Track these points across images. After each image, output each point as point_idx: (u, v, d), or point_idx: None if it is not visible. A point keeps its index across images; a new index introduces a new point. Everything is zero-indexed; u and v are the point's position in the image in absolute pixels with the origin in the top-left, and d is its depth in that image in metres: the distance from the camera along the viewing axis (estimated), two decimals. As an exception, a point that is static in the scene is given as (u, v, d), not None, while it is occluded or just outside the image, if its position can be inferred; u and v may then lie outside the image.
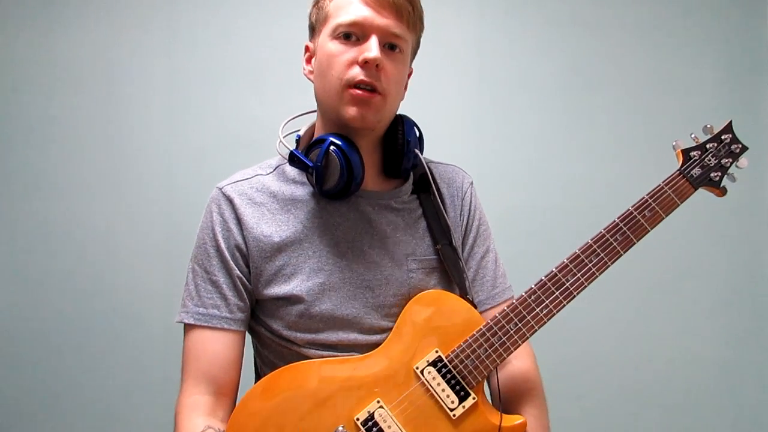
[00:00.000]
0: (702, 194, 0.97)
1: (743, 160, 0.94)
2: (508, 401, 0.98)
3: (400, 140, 0.96)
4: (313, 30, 0.97)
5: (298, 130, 1.03)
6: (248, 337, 1.03)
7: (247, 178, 0.99)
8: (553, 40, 1.98)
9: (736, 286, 2.01)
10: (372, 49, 0.87)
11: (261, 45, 1.86)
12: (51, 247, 1.79)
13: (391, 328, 0.92)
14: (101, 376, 1.79)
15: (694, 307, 1.99)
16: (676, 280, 1.98)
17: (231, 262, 0.93)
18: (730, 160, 0.93)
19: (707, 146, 0.93)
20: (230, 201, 0.95)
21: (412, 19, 0.92)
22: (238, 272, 0.93)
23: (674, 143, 0.95)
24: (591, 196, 1.92)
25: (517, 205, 1.91)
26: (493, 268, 1.04)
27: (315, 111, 1.01)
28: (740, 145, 0.94)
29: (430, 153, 1.11)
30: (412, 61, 1.00)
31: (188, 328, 0.95)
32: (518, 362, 1.01)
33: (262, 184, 0.98)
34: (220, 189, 0.97)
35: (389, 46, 0.90)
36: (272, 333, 0.95)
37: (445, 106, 1.93)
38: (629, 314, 1.95)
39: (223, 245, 0.94)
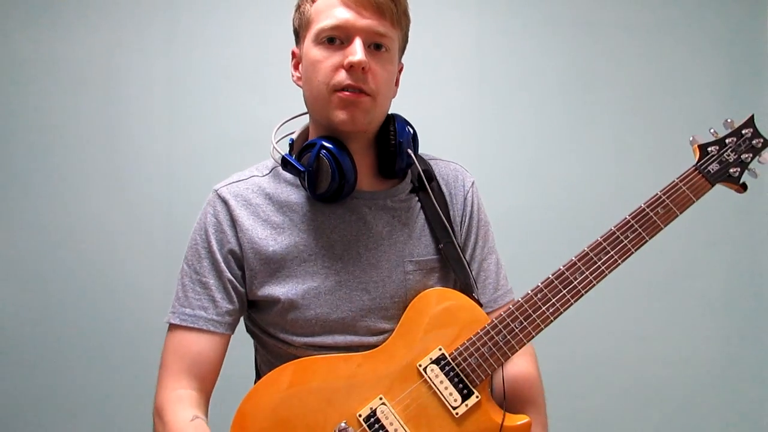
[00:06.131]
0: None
1: (766, 155, 0.90)
2: (508, 403, 0.96)
3: (393, 140, 0.95)
4: (298, 35, 0.96)
5: (292, 133, 1.02)
6: (247, 337, 1.03)
7: (243, 179, 0.98)
8: (553, 40, 1.98)
9: (736, 286, 2.01)
10: (356, 52, 0.86)
11: (261, 45, 1.86)
12: (51, 247, 1.79)
13: (389, 330, 0.92)
14: (101, 375, 1.79)
15: (694, 307, 1.98)
16: (676, 280, 1.97)
17: (222, 264, 0.92)
18: (751, 155, 0.89)
19: (726, 141, 0.89)
20: (225, 203, 0.94)
21: (396, 15, 0.90)
22: (230, 275, 0.93)
23: (691, 138, 0.91)
24: (591, 195, 1.92)
25: (517, 205, 1.91)
26: (495, 270, 1.03)
27: (307, 113, 1.00)
28: (762, 140, 0.90)
29: (430, 153, 1.10)
30: (401, 56, 0.98)
31: (173, 327, 0.93)
32: (520, 364, 0.99)
33: (258, 186, 0.97)
34: (216, 191, 0.96)
35: (374, 46, 0.89)
36: (269, 335, 0.95)
37: (445, 106, 1.93)
38: (629, 314, 1.95)
39: (215, 247, 0.93)
